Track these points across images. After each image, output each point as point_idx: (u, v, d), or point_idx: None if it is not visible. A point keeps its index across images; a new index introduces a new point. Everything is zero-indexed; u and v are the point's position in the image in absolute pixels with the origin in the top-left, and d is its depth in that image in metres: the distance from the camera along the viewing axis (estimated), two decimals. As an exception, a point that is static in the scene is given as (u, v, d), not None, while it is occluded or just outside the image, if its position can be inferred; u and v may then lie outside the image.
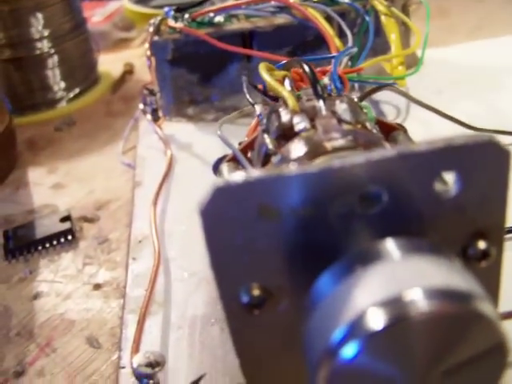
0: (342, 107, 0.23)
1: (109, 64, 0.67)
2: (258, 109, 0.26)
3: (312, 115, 0.24)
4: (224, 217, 0.18)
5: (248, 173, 0.17)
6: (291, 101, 0.23)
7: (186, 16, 0.46)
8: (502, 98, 0.45)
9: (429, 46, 0.42)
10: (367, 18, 0.43)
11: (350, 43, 0.39)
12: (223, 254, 0.18)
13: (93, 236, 0.41)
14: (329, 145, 0.21)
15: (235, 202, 0.17)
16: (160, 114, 0.46)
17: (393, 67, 0.40)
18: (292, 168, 0.17)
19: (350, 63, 0.38)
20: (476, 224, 0.19)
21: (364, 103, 0.26)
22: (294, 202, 0.18)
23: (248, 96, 0.30)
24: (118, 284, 0.37)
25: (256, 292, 0.19)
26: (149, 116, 0.45)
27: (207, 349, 0.29)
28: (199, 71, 0.47)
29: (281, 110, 0.25)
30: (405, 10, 0.48)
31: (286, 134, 0.24)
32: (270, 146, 0.23)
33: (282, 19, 0.45)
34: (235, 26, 0.45)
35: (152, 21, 0.47)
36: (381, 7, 0.44)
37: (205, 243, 0.18)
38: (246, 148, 0.26)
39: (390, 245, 0.17)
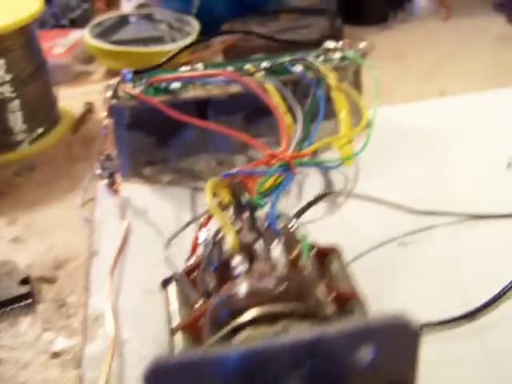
0: (277, 251, 0.25)
1: (69, 100, 0.67)
2: (202, 236, 0.28)
3: (250, 252, 0.26)
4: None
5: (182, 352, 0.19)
6: (232, 241, 0.25)
7: (144, 80, 0.48)
8: (444, 166, 0.48)
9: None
10: (319, 92, 0.45)
11: (299, 124, 0.41)
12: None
13: (51, 299, 0.42)
14: (263, 296, 0.23)
15: (174, 376, 0.19)
16: (117, 177, 0.47)
17: (340, 145, 0.43)
18: (221, 349, 0.19)
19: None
20: (391, 378, 0.22)
21: (302, 233, 0.28)
22: (227, 370, 0.20)
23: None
24: (74, 354, 0.39)
25: None
26: (105, 181, 0.47)
27: None
28: (156, 134, 0.49)
29: (223, 243, 0.27)
30: (356, 75, 0.50)
31: (226, 268, 0.26)
32: (211, 286, 0.25)
33: (235, 88, 0.47)
34: (190, 93, 0.47)
35: (110, 82, 0.48)
36: (332, 81, 0.45)
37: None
38: (192, 270, 0.28)
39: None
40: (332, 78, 0.45)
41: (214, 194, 0.31)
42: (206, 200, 0.29)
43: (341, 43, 0.51)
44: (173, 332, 0.26)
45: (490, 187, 0.45)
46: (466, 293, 0.37)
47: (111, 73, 0.71)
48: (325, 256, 0.29)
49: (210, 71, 0.46)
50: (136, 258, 0.42)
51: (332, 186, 0.46)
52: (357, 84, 0.51)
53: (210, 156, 0.50)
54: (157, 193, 0.48)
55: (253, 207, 0.28)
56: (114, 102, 0.47)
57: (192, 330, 0.25)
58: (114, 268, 0.40)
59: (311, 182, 0.46)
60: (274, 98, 0.44)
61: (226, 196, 0.29)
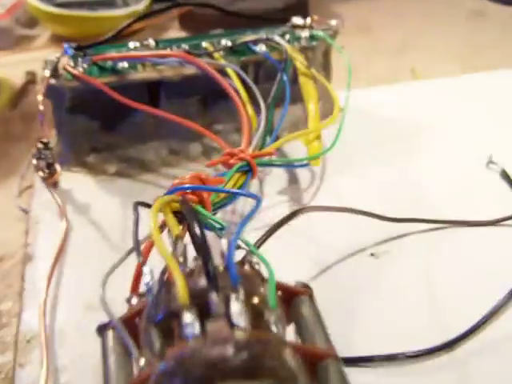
0: (235, 309, 0.21)
1: (8, 68, 0.61)
2: (148, 273, 0.23)
3: (202, 306, 0.21)
4: None
5: None
6: (181, 293, 0.21)
7: (87, 57, 0.42)
8: (418, 164, 0.44)
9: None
10: (284, 78, 0.40)
11: (262, 118, 0.37)
12: None
13: (-18, 305, 0.37)
14: (220, 366, 0.19)
15: None
16: (57, 167, 0.42)
17: (308, 141, 0.38)
18: None
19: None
20: None
21: (269, 269, 0.24)
22: None
23: (135, 240, 0.26)
24: (6, 373, 0.34)
25: None
26: (41, 173, 0.41)
27: None
28: (100, 118, 0.43)
29: (172, 289, 0.22)
30: (326, 56, 0.46)
31: (174, 322, 0.22)
32: (157, 346, 0.21)
33: (191, 69, 0.42)
34: (140, 75, 0.42)
35: (49, 58, 0.42)
36: (300, 65, 0.41)
37: None
38: (134, 316, 0.24)
39: None
40: (300, 61, 0.40)
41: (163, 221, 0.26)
42: (152, 233, 0.24)
43: (309, 20, 0.45)
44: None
45: (468, 189, 0.41)
46: (443, 316, 0.33)
47: (56, 39, 0.65)
48: (292, 296, 0.24)
49: (161, 52, 0.41)
50: (76, 265, 0.37)
51: (296, 184, 0.42)
52: (326, 66, 0.46)
53: (162, 143, 0.45)
54: (102, 185, 0.43)
55: (202, 245, 0.23)
56: (52, 81, 0.41)
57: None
58: (51, 279, 0.35)
59: (272, 180, 0.42)
60: (235, 84, 0.39)
61: (175, 227, 0.24)
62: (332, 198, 0.41)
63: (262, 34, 0.44)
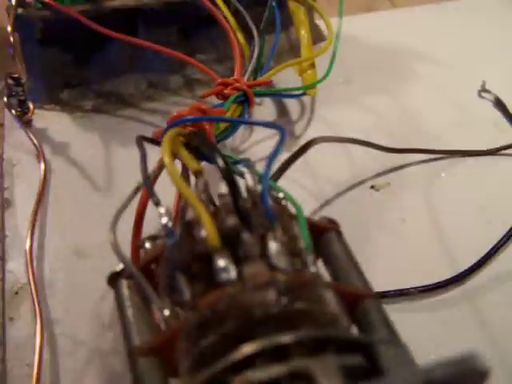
0: (274, 249, 0.19)
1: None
2: (164, 217, 0.21)
3: (234, 246, 0.19)
4: None
5: None
6: (211, 236, 0.19)
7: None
8: (413, 92, 0.42)
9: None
10: (273, 3, 0.38)
11: (256, 44, 0.34)
12: None
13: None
14: (261, 314, 0.18)
15: None
16: (29, 105, 0.39)
17: (302, 70, 0.36)
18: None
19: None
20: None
21: (296, 205, 0.22)
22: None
23: (145, 176, 0.23)
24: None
25: None
26: (14, 111, 0.38)
27: None
28: (74, 50, 0.40)
29: (196, 230, 0.20)
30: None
31: (202, 267, 0.20)
32: (187, 295, 0.19)
33: (172, -5, 0.39)
34: (118, 2, 0.38)
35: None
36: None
37: None
38: (150, 262, 0.22)
39: None
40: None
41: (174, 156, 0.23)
42: (166, 164, 0.22)
43: None
44: (134, 353, 0.19)
45: (463, 119, 0.40)
46: (448, 248, 0.33)
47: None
48: (320, 233, 0.23)
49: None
50: (60, 209, 0.35)
51: (287, 116, 0.40)
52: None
53: (140, 76, 0.42)
54: (78, 122, 0.40)
55: (231, 177, 0.21)
56: (20, 11, 0.37)
57: (162, 354, 0.19)
58: (34, 224, 0.33)
59: (262, 112, 0.39)
60: (223, 10, 0.36)
61: (192, 161, 0.22)
62: (324, 129, 0.39)
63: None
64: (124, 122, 0.40)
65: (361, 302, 0.20)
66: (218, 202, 0.21)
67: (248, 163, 0.22)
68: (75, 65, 0.41)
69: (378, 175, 0.36)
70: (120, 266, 0.22)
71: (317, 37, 0.45)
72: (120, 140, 0.38)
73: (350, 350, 0.18)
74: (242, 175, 0.22)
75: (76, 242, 0.33)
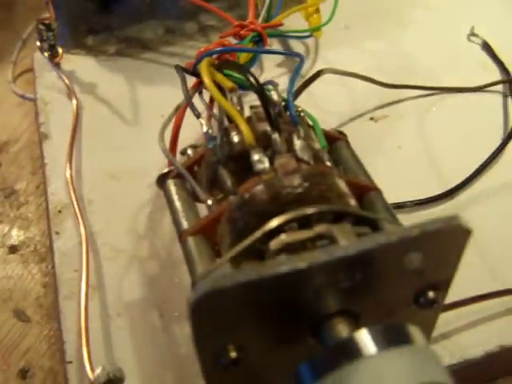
0: (299, 145, 0.23)
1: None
2: (205, 125, 0.25)
3: (266, 145, 0.24)
4: (212, 312, 0.18)
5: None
6: (247, 135, 0.23)
7: None
8: (408, 36, 0.46)
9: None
10: None
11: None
12: (206, 331, 0.19)
13: (-3, 187, 0.39)
14: (289, 195, 0.22)
15: (223, 300, 0.18)
16: (58, 49, 0.42)
17: (308, 14, 0.40)
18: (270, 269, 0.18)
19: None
20: (430, 279, 0.21)
21: (312, 117, 0.26)
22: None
23: (187, 95, 0.27)
24: (35, 246, 0.36)
25: (233, 354, 0.20)
26: (45, 54, 0.42)
27: (149, 339, 0.29)
28: (96, -1, 0.44)
29: (233, 134, 0.24)
30: None
31: (239, 163, 0.24)
32: (228, 184, 0.23)
33: None
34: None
35: None
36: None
37: (191, 331, 0.19)
38: (193, 164, 0.26)
39: (367, 338, 0.18)
40: None
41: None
42: (207, 84, 0.26)
43: None
44: (183, 235, 0.24)
45: (453, 61, 0.44)
46: (441, 169, 0.37)
47: None
48: (332, 142, 0.27)
49: None
50: (93, 140, 0.38)
51: (293, 58, 0.44)
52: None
53: (158, 23, 0.45)
54: (103, 65, 0.44)
55: (261, 89, 0.25)
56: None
57: (206, 233, 0.23)
58: (71, 153, 0.37)
59: (272, 58, 0.43)
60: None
61: (226, 81, 0.26)
62: (329, 68, 0.42)
63: None
64: (145, 64, 0.44)
65: (367, 192, 0.25)
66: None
67: (272, 83, 0.26)
68: (99, 12, 0.44)
69: (377, 108, 0.40)
70: (166, 169, 0.26)
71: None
72: (142, 80, 0.42)
73: (361, 223, 0.22)
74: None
75: (109, 167, 0.37)
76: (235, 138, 0.24)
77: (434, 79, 0.42)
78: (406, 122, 0.39)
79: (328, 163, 0.24)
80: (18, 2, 0.54)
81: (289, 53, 0.30)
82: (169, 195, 0.25)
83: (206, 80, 0.25)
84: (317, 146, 0.25)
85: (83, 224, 0.33)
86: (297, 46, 0.44)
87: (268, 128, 0.24)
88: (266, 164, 0.23)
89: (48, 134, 0.39)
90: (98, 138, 0.38)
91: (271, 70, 0.42)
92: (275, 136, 0.23)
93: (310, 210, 0.21)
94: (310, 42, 0.44)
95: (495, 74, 0.43)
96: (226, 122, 0.25)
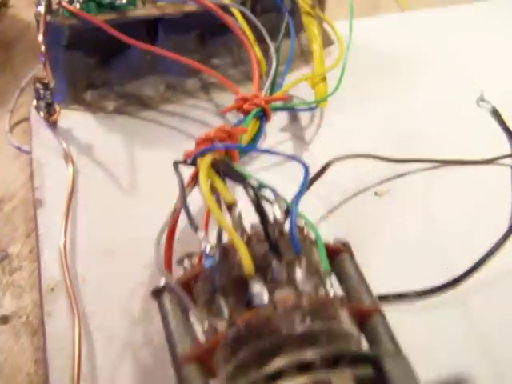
0: (300, 276, 0.22)
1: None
2: (203, 242, 0.24)
3: (267, 266, 0.23)
4: None
5: None
6: (247, 265, 0.22)
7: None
8: (415, 99, 0.45)
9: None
10: (287, 16, 0.40)
11: (273, 60, 0.37)
12: None
13: (-10, 248, 0.38)
14: (288, 332, 0.21)
15: None
16: (56, 107, 0.41)
17: (314, 83, 0.39)
18: None
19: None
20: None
21: (314, 232, 0.25)
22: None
23: (185, 207, 0.26)
24: (27, 317, 0.35)
25: None
26: (42, 114, 0.41)
27: None
28: (97, 54, 0.43)
29: (232, 255, 0.23)
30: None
31: (237, 289, 0.23)
32: (225, 313, 0.22)
33: (192, 6, 0.41)
34: (141, 12, 0.41)
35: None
36: (303, 3, 0.40)
37: None
38: (189, 281, 0.25)
39: None
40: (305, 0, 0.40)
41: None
42: (204, 195, 0.25)
43: None
44: (178, 362, 0.23)
45: (461, 128, 0.43)
46: (445, 252, 0.36)
47: None
48: (334, 254, 0.26)
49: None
50: (89, 210, 0.37)
51: (297, 122, 0.43)
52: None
53: (159, 78, 0.44)
54: (101, 123, 0.43)
55: (262, 210, 0.24)
56: (49, 18, 0.40)
57: (203, 360, 0.22)
58: (66, 224, 0.36)
59: (273, 118, 0.42)
60: (241, 24, 0.39)
61: (227, 194, 0.25)
62: (332, 135, 0.42)
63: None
64: (144, 123, 0.43)
65: (369, 317, 0.24)
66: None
67: (275, 194, 0.25)
68: (98, 67, 0.43)
69: (381, 182, 0.39)
70: (162, 282, 0.25)
71: (326, 40, 0.47)
72: (141, 141, 0.41)
73: (362, 361, 0.21)
74: (268, 201, 0.26)
75: (105, 241, 0.36)
76: (233, 260, 0.23)
77: (441, 148, 0.41)
78: (411, 198, 0.38)
79: (330, 290, 0.23)
80: (17, 41, 0.53)
81: (292, 157, 0.29)
82: (164, 313, 0.24)
83: (204, 189, 0.24)
84: (320, 268, 0.24)
85: (76, 307, 0.32)
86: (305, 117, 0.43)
87: (268, 255, 0.23)
88: (265, 298, 0.22)
89: (43, 200, 0.38)
90: (93, 208, 0.37)
91: (274, 135, 0.41)
92: (275, 264, 0.22)
93: (310, 355, 0.20)
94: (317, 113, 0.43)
95: (505, 144, 0.42)
96: (225, 236, 0.24)
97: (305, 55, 0.46)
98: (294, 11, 0.43)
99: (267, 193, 0.27)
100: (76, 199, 0.38)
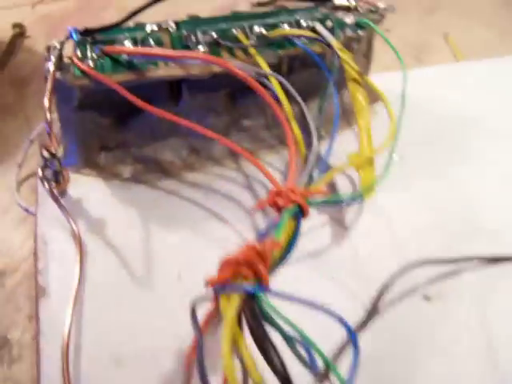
0: None
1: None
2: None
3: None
4: None
5: None
6: None
7: (97, 46, 0.36)
8: (470, 175, 0.39)
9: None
10: (330, 83, 0.35)
11: (314, 145, 0.32)
12: None
13: (-16, 334, 0.34)
14: None
15: None
16: (64, 174, 0.37)
17: (359, 164, 0.33)
18: None
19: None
20: None
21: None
22: None
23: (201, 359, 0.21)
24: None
25: None
26: (47, 185, 0.36)
27: None
28: (113, 114, 0.38)
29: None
30: (369, 44, 0.40)
31: None
32: None
33: (220, 68, 0.36)
34: (162, 72, 0.36)
35: (52, 43, 0.36)
36: (350, 69, 0.35)
37: None
38: None
39: None
40: (351, 65, 0.35)
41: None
42: (225, 366, 0.20)
43: (353, 1, 0.39)
44: None
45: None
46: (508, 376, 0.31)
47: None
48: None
49: (186, 53, 0.34)
50: (97, 308, 0.33)
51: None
52: (367, 55, 0.41)
53: (181, 141, 0.39)
54: (115, 193, 0.38)
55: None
56: (59, 76, 0.35)
57: None
58: (70, 325, 0.31)
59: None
60: (279, 96, 0.33)
61: (255, 373, 0.20)
62: (377, 216, 0.37)
63: (300, 17, 0.38)
64: (163, 195, 0.38)
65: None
66: None
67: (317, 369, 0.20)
68: (113, 128, 0.38)
69: (431, 282, 0.34)
70: None
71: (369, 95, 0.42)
72: (159, 218, 0.37)
73: None
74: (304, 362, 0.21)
75: (114, 348, 0.31)
76: None
77: (500, 239, 0.35)
78: (466, 304, 0.33)
79: None
80: (32, 78, 0.49)
81: (328, 311, 0.23)
82: None
83: (226, 356, 0.20)
84: None
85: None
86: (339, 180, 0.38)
87: None
88: None
89: (46, 289, 0.33)
90: (101, 303, 0.33)
91: (313, 217, 0.36)
92: None
93: None
94: (355, 176, 0.38)
95: None
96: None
97: (347, 114, 0.40)
98: (336, 68, 0.38)
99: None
100: (83, 289, 0.33)
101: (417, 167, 0.39)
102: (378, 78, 0.42)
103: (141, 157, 0.39)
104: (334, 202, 0.33)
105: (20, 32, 0.50)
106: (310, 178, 0.32)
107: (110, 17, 0.55)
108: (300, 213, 0.30)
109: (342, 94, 0.40)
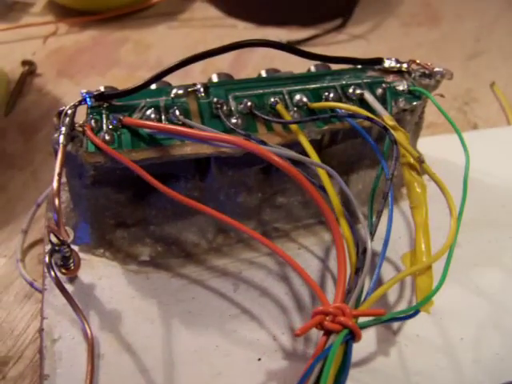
0: None
1: (2, 50, 0.49)
2: None
3: None
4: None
5: None
6: None
7: (114, 116, 0.31)
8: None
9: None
10: (384, 167, 0.30)
11: (367, 258, 0.27)
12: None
13: None
14: None
15: None
16: (75, 258, 0.32)
17: (415, 272, 0.29)
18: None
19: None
20: None
21: None
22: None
23: None
24: None
25: None
26: (54, 274, 0.31)
27: None
28: (130, 189, 0.33)
29: None
30: (421, 114, 0.35)
31: None
32: None
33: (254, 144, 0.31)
34: (190, 149, 0.31)
35: (64, 109, 0.31)
36: (405, 153, 0.30)
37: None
38: None
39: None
40: (409, 150, 0.30)
41: None
42: None
43: (405, 64, 0.34)
44: None
45: None
46: None
47: (54, 7, 0.52)
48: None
49: (217, 135, 0.29)
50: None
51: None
52: (418, 124, 0.36)
53: (208, 220, 0.35)
54: (132, 281, 0.33)
55: None
56: (70, 149, 0.30)
57: None
58: None
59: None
60: (327, 190, 0.29)
61: None
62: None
63: (346, 80, 0.33)
64: (185, 287, 0.33)
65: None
66: None
67: None
68: (130, 203, 0.34)
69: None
70: None
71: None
72: (181, 316, 0.32)
73: None
74: None
75: None
76: None
77: None
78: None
79: None
80: (42, 124, 0.45)
81: None
82: None
83: None
84: None
85: None
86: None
87: None
88: None
89: (52, 397, 0.29)
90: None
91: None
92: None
93: None
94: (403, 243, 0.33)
95: None
96: None
97: (394, 189, 0.35)
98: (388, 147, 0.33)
99: None
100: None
101: (471, 255, 0.34)
102: (423, 143, 0.38)
103: (161, 236, 0.34)
104: (387, 322, 0.28)
105: (30, 70, 0.46)
106: (361, 291, 0.27)
107: (126, 52, 0.50)
108: (351, 337, 0.26)
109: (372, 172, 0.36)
